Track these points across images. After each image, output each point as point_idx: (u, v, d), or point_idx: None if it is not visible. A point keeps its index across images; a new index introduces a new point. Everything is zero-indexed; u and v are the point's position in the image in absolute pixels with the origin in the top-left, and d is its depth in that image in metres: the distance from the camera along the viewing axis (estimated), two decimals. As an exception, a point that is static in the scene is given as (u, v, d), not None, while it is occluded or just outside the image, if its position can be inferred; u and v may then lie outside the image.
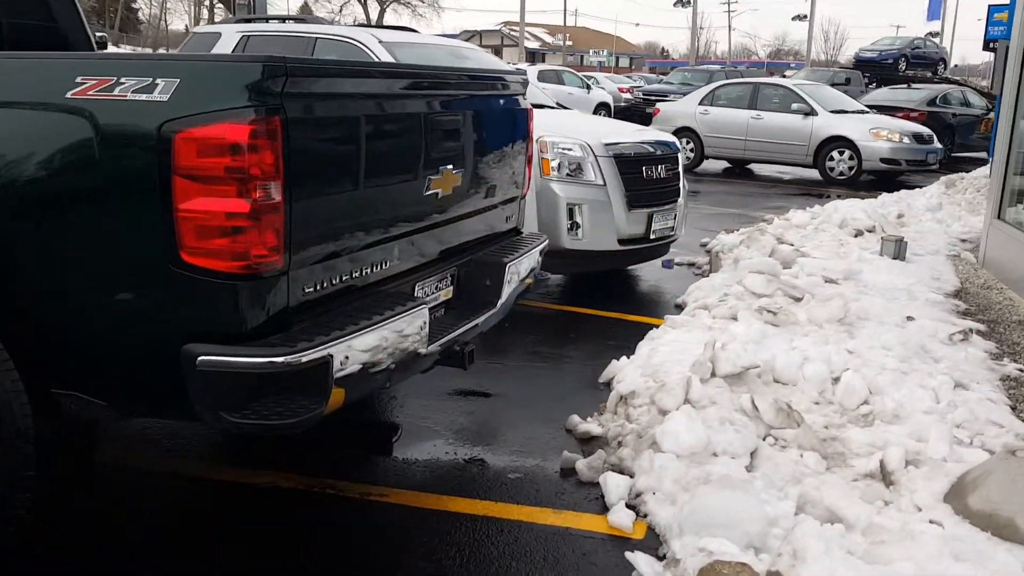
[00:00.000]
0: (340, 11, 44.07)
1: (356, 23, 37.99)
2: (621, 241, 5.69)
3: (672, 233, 6.15)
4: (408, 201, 2.79)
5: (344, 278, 2.52)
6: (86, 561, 2.69)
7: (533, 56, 56.42)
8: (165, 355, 2.18)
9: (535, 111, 6.42)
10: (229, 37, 6.79)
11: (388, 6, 42.49)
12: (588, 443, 3.58)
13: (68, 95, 2.19)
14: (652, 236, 5.90)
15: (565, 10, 58.44)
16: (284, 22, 7.08)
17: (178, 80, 2.13)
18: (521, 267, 3.49)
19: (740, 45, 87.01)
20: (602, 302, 5.84)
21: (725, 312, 4.79)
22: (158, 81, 2.13)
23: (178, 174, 2.10)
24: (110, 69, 2.19)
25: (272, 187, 2.17)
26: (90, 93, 2.17)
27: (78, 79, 2.19)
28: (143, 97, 2.13)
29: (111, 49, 19.23)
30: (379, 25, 38.78)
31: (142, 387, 2.35)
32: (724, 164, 15.54)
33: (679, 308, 5.59)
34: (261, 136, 2.12)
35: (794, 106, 13.84)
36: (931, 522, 2.70)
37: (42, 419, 2.45)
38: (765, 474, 3.07)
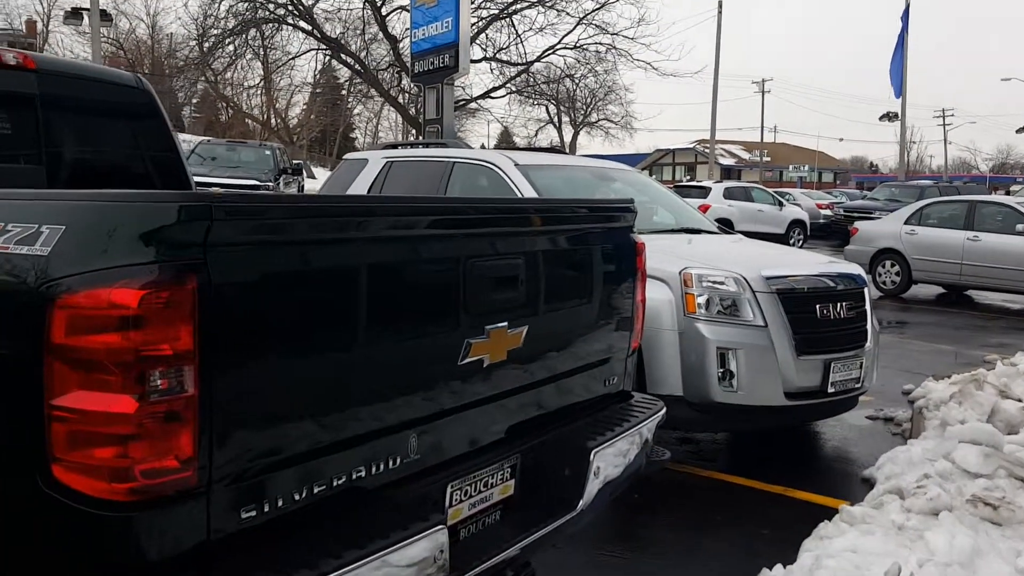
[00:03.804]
0: (536, 135, 45.40)
1: (551, 144, 38.97)
2: (789, 395, 4.63)
3: (858, 386, 4.99)
4: (429, 375, 2.05)
5: (317, 490, 1.80)
6: None
7: (728, 172, 55.30)
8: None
9: (687, 237, 5.67)
10: (375, 162, 6.63)
11: (581, 129, 43.28)
12: None
13: (-44, 246, 1.68)
14: (831, 389, 4.79)
15: (763, 126, 57.30)
16: (427, 147, 6.81)
17: (63, 227, 1.56)
18: (618, 450, 2.63)
19: (958, 159, 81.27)
20: (765, 468, 4.75)
21: (924, 504, 3.60)
22: (43, 229, 1.57)
23: (52, 355, 1.50)
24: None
25: (183, 374, 1.52)
26: (-24, 243, 1.66)
27: (-32, 226, 1.68)
28: (24, 250, 1.58)
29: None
30: (569, 148, 39.51)
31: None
32: (936, 290, 13.69)
33: (867, 483, 4.41)
34: (165, 303, 1.49)
35: (1019, 227, 12.02)
36: None
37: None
38: None
